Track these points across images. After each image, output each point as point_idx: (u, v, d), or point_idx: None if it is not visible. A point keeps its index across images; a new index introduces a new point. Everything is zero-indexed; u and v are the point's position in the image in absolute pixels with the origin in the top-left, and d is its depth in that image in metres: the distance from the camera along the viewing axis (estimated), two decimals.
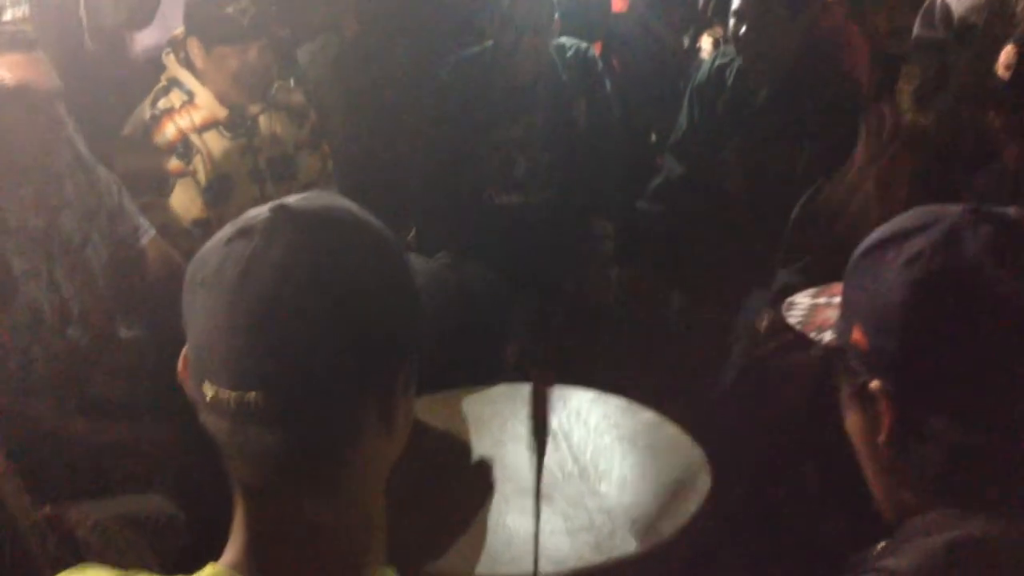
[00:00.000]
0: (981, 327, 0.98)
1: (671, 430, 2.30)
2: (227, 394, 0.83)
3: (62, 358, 2.25)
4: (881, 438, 1.03)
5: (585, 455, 2.24)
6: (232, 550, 0.89)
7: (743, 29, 2.83)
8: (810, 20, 2.88)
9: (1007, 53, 2.41)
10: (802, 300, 1.20)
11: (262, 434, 0.83)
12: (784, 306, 1.20)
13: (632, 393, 2.45)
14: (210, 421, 0.86)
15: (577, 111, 3.13)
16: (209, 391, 0.84)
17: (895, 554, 0.99)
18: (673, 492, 2.11)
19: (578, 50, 3.16)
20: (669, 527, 1.99)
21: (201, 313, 0.85)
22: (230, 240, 0.85)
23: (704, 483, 2.10)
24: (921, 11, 3.43)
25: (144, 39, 3.20)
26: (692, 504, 2.04)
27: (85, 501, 2.03)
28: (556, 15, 3.05)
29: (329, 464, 0.87)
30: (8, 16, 2.73)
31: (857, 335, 1.05)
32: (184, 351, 0.90)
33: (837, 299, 1.13)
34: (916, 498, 1.03)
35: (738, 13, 2.85)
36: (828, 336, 1.12)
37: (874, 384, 1.02)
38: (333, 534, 0.88)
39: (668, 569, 2.01)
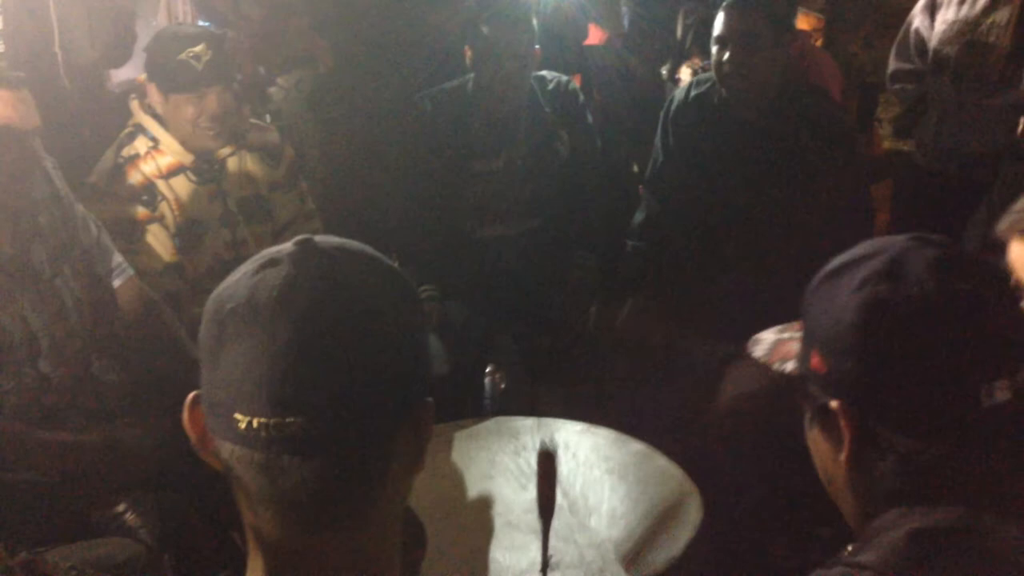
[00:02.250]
0: (927, 343, 1.05)
1: (661, 462, 2.27)
2: (265, 421, 0.81)
3: (34, 391, 2.21)
4: (843, 455, 1.09)
5: (575, 488, 2.20)
6: None
7: (726, 56, 2.80)
8: (791, 45, 2.87)
9: None
10: (767, 336, 1.28)
11: (298, 465, 0.82)
12: (749, 343, 1.28)
13: (619, 422, 2.43)
14: (237, 459, 0.84)
15: (559, 143, 3.13)
16: (243, 420, 0.81)
17: (862, 551, 1.06)
18: (664, 525, 2.08)
19: (559, 83, 3.16)
20: (660, 560, 1.96)
21: (233, 342, 0.83)
22: (257, 271, 0.85)
23: (695, 515, 2.07)
24: (895, 43, 3.47)
25: (121, 74, 3.18)
26: (683, 536, 2.01)
27: (62, 546, 1.99)
28: (536, 46, 3.05)
29: (362, 498, 0.86)
30: None
31: (816, 360, 1.12)
32: (191, 397, 0.88)
33: (800, 335, 1.20)
34: (877, 506, 1.09)
35: (721, 40, 2.80)
36: (790, 365, 1.20)
37: (833, 404, 1.09)
38: (356, 565, 0.86)
39: None
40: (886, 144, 3.98)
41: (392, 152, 3.37)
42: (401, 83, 3.55)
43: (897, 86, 3.51)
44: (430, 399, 0.90)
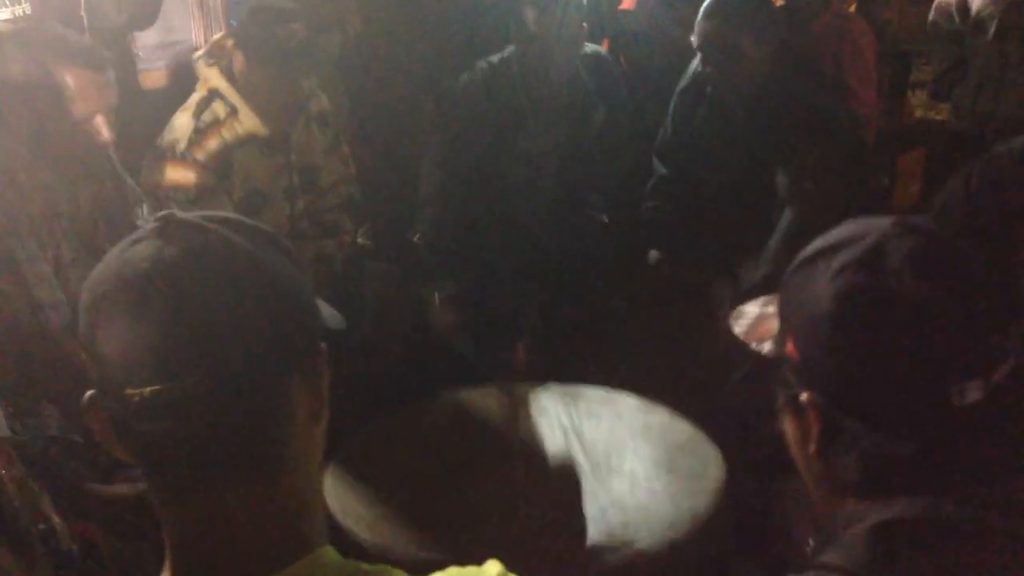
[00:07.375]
0: (900, 340, 1.00)
1: (684, 427, 2.26)
2: (155, 388, 0.82)
3: (62, 364, 2.22)
4: (811, 448, 1.05)
5: (597, 452, 2.20)
6: (170, 564, 0.88)
7: (708, 68, 2.72)
8: (778, 38, 2.72)
9: None
10: (751, 309, 1.23)
11: (195, 426, 0.83)
12: (733, 314, 1.23)
13: (643, 388, 2.41)
14: (139, 432, 0.85)
15: (598, 116, 3.08)
16: (135, 394, 0.82)
17: (824, 549, 1.02)
18: (686, 485, 2.07)
19: (596, 54, 3.12)
20: (681, 523, 1.95)
21: (110, 323, 0.84)
22: (122, 252, 0.86)
23: (717, 476, 2.05)
24: (936, 2, 3.40)
25: (144, 38, 3.17)
26: (705, 497, 2.00)
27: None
28: (584, 24, 2.96)
29: (266, 452, 0.87)
30: (7, 14, 2.70)
31: (790, 347, 1.07)
32: (87, 399, 0.88)
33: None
34: (839, 499, 1.06)
35: (700, 48, 2.73)
36: (767, 347, 1.14)
37: (804, 396, 1.05)
38: (271, 520, 0.87)
39: (681, 565, 1.95)
40: (918, 112, 3.92)
41: (422, 125, 3.33)
42: (432, 52, 3.51)
43: (934, 45, 3.44)
44: (323, 345, 0.92)
